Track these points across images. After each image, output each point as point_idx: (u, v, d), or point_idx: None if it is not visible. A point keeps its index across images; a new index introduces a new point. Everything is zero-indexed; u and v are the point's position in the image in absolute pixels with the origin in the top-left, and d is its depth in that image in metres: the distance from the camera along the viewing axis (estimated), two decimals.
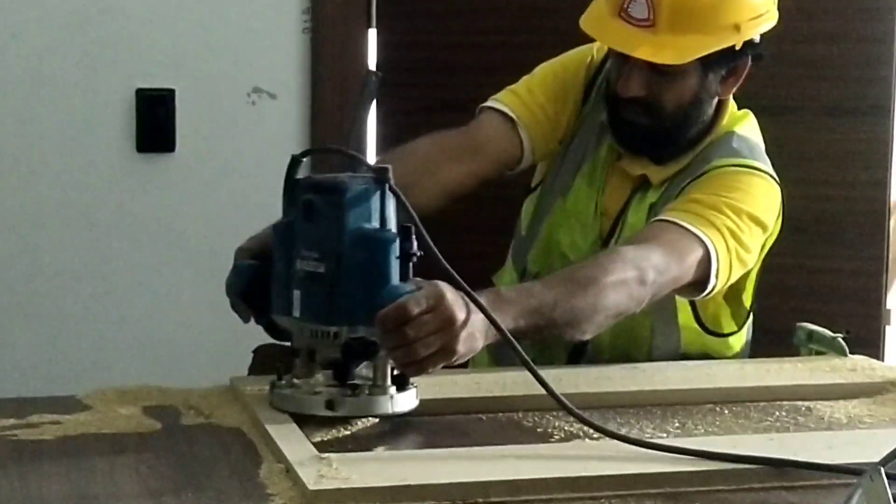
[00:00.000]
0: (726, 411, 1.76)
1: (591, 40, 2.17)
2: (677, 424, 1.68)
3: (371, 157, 2.95)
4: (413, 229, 1.61)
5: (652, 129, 2.07)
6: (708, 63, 2.03)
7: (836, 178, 2.86)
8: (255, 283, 1.72)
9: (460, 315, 1.57)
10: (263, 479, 1.40)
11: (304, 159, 1.71)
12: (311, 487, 1.33)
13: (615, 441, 1.53)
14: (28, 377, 2.81)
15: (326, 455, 1.44)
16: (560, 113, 2.18)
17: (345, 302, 1.59)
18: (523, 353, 1.59)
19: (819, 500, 1.39)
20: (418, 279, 1.62)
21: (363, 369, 1.66)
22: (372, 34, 3.02)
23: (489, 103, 2.20)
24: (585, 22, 2.08)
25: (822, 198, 2.58)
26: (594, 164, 2.16)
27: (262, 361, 2.03)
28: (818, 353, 2.05)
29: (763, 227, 2.04)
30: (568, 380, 1.79)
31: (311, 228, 1.61)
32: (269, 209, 2.95)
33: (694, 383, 1.86)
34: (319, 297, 1.60)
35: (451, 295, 1.57)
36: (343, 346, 1.60)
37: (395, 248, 1.59)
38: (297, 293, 1.62)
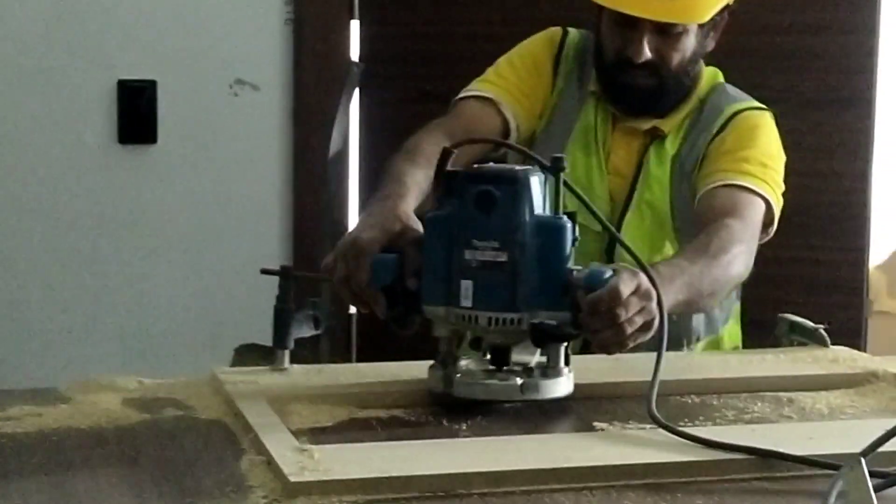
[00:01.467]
0: (713, 401, 1.76)
1: (571, 23, 2.25)
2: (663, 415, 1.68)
3: (353, 146, 2.96)
4: (576, 215, 1.68)
5: (657, 89, 2.17)
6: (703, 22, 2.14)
7: (818, 169, 2.86)
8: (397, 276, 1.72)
9: (654, 294, 1.66)
10: (245, 472, 1.40)
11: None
12: (291, 479, 1.33)
13: (598, 432, 1.53)
14: (8, 369, 2.80)
15: (308, 447, 1.44)
16: (536, 87, 2.24)
17: (526, 288, 1.64)
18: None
19: (800, 489, 1.39)
20: (594, 263, 1.70)
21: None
22: (355, 25, 3.01)
23: (462, 95, 2.24)
24: None
25: (804, 189, 2.57)
26: (584, 132, 2.21)
27: (243, 360, 2.02)
28: (800, 344, 2.05)
29: (783, 159, 2.20)
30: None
31: (487, 218, 1.64)
32: (251, 200, 2.97)
33: (677, 374, 1.85)
34: (500, 285, 1.64)
35: (642, 276, 1.66)
36: (535, 331, 1.65)
37: (570, 234, 1.65)
38: (466, 283, 1.64)
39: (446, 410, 1.68)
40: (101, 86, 2.83)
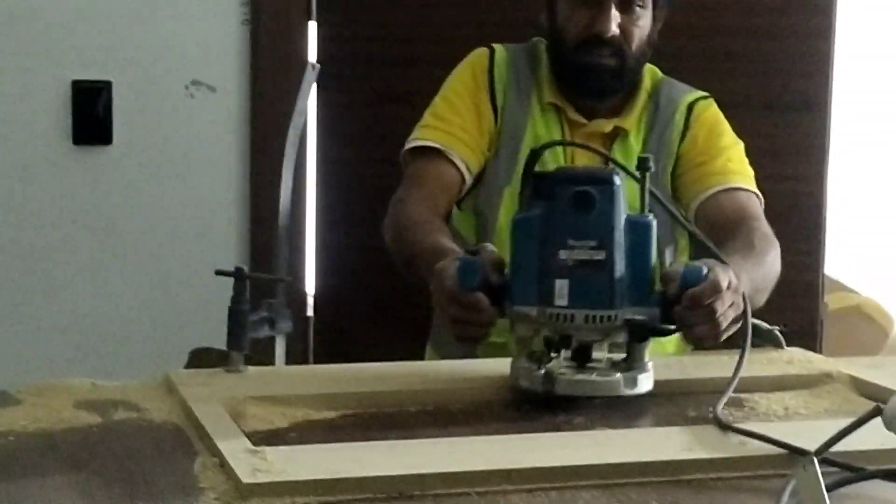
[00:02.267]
0: (671, 403, 1.76)
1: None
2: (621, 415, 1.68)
3: (309, 148, 2.95)
4: None
5: (620, 69, 2.22)
6: (655, 5, 2.23)
7: (773, 172, 2.85)
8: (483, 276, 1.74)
9: (741, 289, 1.76)
10: (197, 474, 1.39)
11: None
12: (244, 481, 1.32)
13: (557, 433, 1.54)
14: None
15: (261, 448, 1.43)
16: (479, 123, 2.27)
17: (621, 286, 1.69)
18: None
19: (757, 487, 1.39)
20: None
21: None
22: (312, 27, 3.00)
23: (409, 146, 2.28)
24: None
25: (760, 192, 2.59)
26: (535, 142, 2.21)
27: (199, 363, 2.00)
28: (755, 345, 2.05)
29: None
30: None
31: (585, 218, 1.68)
32: (207, 202, 2.94)
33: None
34: (597, 283, 1.68)
35: (731, 271, 1.75)
36: (633, 327, 1.70)
37: (655, 232, 1.73)
38: (561, 282, 1.68)
39: (403, 411, 1.67)
40: (54, 87, 2.80)
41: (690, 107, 2.29)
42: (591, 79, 2.24)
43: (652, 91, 2.31)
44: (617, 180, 1.71)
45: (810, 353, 2.02)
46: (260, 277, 1.86)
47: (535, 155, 1.79)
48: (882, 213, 3.83)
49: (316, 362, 3.03)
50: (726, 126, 2.31)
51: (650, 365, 1.74)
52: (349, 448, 1.48)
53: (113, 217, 2.87)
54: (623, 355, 1.75)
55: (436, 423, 1.65)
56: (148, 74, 2.86)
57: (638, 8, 2.20)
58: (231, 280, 1.81)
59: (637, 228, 1.71)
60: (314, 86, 2.89)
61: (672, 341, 2.21)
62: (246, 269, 1.83)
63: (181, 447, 1.49)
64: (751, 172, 2.28)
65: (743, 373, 1.86)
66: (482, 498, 1.34)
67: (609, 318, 1.69)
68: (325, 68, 2.98)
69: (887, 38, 3.29)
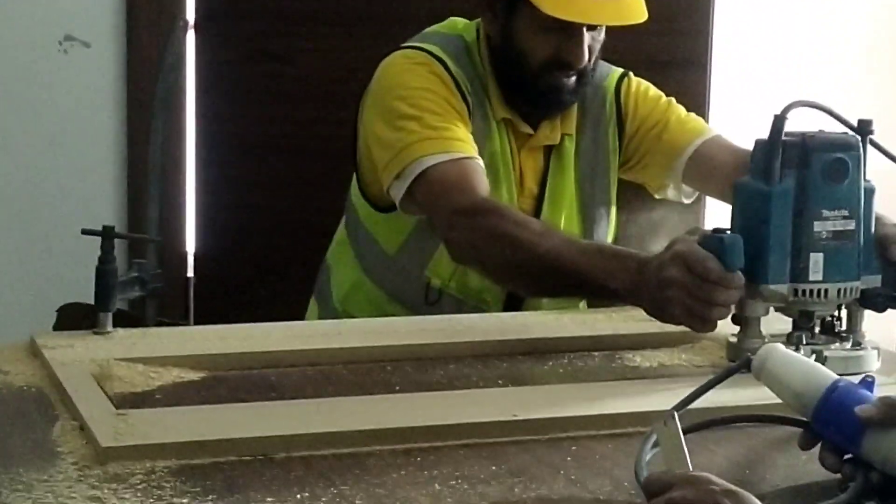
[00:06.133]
0: (546, 362, 1.75)
1: None
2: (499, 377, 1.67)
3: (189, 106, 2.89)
4: None
5: (578, 85, 2.09)
6: None
7: None
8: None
9: None
10: (56, 438, 1.35)
11: None
12: (103, 444, 1.28)
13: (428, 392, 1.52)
14: None
15: (125, 411, 1.39)
16: (466, 124, 2.07)
17: (864, 254, 1.65)
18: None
19: (621, 448, 1.39)
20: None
21: None
22: None
23: (417, 170, 1.98)
24: (546, 3, 2.00)
25: None
26: (492, 159, 2.09)
27: (67, 320, 1.95)
28: None
29: None
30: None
31: (837, 187, 1.63)
32: (83, 160, 2.87)
33: (508, 334, 1.84)
34: (848, 254, 1.64)
35: None
36: (878, 298, 1.66)
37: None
38: (816, 256, 1.63)
39: (279, 373, 1.65)
40: None
41: (618, 87, 2.19)
42: (552, 101, 2.10)
43: None
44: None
45: None
46: (126, 237, 1.81)
47: (780, 120, 1.62)
48: None
49: (197, 324, 2.98)
50: (652, 86, 2.23)
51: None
52: (215, 410, 1.45)
53: None
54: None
55: (312, 384, 1.62)
56: (19, 30, 2.77)
57: (601, 28, 2.07)
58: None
59: (868, 194, 1.66)
60: (190, 42, 2.84)
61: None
62: (115, 228, 1.78)
63: (41, 411, 1.45)
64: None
65: (601, 331, 1.87)
66: (353, 459, 1.32)
67: (854, 290, 1.65)
68: (204, 24, 2.94)
69: None
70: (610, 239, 2.22)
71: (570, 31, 2.03)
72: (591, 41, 2.07)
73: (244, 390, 1.59)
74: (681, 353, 1.82)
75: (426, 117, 2.02)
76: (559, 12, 1.99)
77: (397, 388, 1.60)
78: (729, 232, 1.65)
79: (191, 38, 2.91)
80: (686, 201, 2.27)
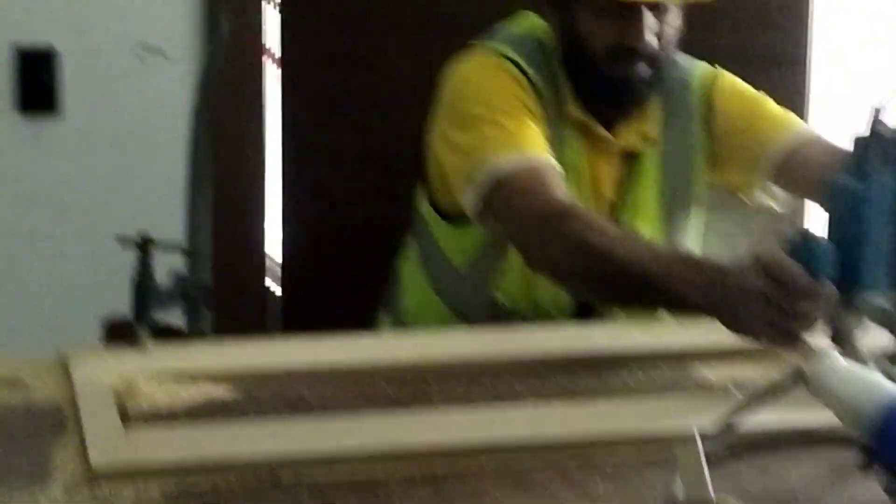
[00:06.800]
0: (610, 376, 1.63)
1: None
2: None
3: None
4: None
5: (653, 78, 1.95)
6: None
7: None
8: None
9: None
10: (56, 457, 1.28)
11: None
12: (93, 464, 1.20)
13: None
14: None
15: (133, 430, 1.31)
16: (542, 130, 1.95)
17: None
18: None
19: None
20: None
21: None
22: None
23: (491, 178, 1.86)
24: None
25: None
26: (572, 166, 1.97)
27: (113, 334, 1.88)
28: None
29: None
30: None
31: None
32: (159, 175, 2.82)
33: (569, 346, 1.72)
34: None
35: None
36: None
37: None
38: None
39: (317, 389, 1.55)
40: None
41: (704, 84, 2.05)
42: (623, 92, 1.95)
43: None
44: None
45: None
46: (169, 246, 1.74)
47: (878, 112, 1.48)
48: None
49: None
50: (744, 83, 2.08)
51: None
52: (223, 427, 1.36)
53: (60, 190, 2.75)
54: None
55: (348, 400, 1.52)
56: (95, 38, 2.73)
57: (670, 5, 1.91)
58: None
59: None
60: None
61: None
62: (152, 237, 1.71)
63: (53, 428, 1.38)
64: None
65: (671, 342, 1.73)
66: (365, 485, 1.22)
67: None
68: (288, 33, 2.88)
69: None
70: (698, 247, 2.08)
71: (629, 14, 1.89)
72: (658, 25, 1.92)
73: (273, 408, 1.50)
74: (758, 366, 1.68)
75: (499, 118, 1.91)
76: None
77: (436, 403, 1.50)
78: (822, 238, 1.51)
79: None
80: (780, 208, 2.11)
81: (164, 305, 1.73)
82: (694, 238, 2.07)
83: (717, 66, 2.10)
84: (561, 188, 1.85)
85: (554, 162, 1.89)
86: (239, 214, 2.85)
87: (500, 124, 1.90)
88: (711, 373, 1.65)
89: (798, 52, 2.75)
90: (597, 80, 1.96)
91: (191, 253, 1.78)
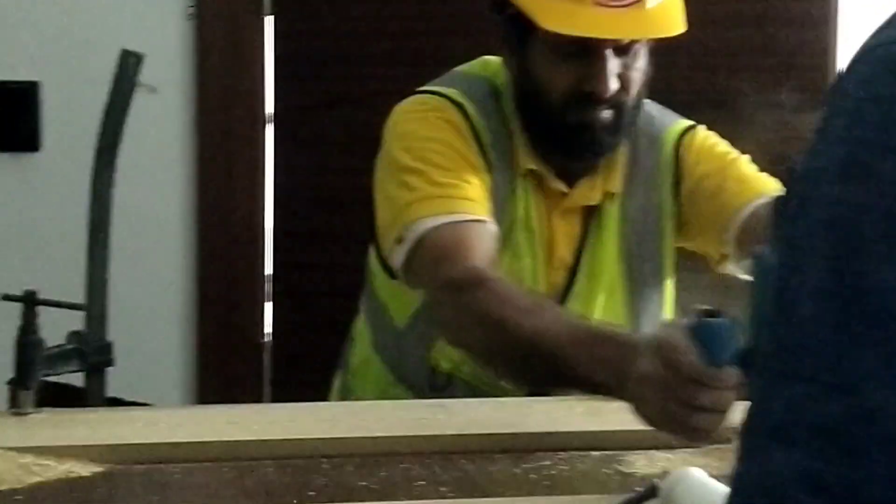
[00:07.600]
0: (527, 465, 1.45)
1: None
2: None
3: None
4: None
5: (615, 124, 1.74)
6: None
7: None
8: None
9: None
10: None
11: None
12: None
13: None
14: None
15: None
16: (483, 183, 1.76)
17: None
18: None
19: None
20: None
21: None
22: (269, 22, 2.74)
23: (416, 233, 1.69)
24: (550, 19, 1.68)
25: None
26: (525, 222, 1.80)
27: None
28: None
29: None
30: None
31: None
32: (148, 214, 2.70)
33: (491, 426, 1.55)
34: None
35: None
36: None
37: None
38: None
39: (190, 470, 1.40)
40: None
41: (677, 144, 1.84)
42: (581, 141, 1.75)
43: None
44: None
45: None
46: (57, 304, 1.59)
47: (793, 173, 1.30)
48: None
49: (275, 392, 2.78)
50: (722, 141, 1.87)
51: None
52: None
53: (41, 229, 2.65)
54: None
55: (217, 486, 1.36)
56: (80, 74, 2.63)
57: (636, 45, 1.72)
58: None
59: None
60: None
61: None
62: (37, 293, 1.57)
63: None
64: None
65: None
66: None
67: None
68: (284, 68, 2.75)
69: None
70: (666, 314, 1.87)
71: (590, 55, 1.69)
72: (624, 68, 1.71)
73: (130, 492, 1.34)
74: (701, 456, 1.48)
75: (431, 172, 1.73)
76: (561, 26, 1.66)
77: (313, 495, 1.33)
78: (726, 316, 1.30)
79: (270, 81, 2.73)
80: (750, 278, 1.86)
81: (54, 365, 1.60)
82: (659, 305, 1.86)
83: (696, 124, 1.89)
84: (485, 253, 1.66)
85: (489, 223, 1.71)
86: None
87: (432, 178, 1.72)
88: (647, 464, 1.46)
89: (821, 90, 2.55)
90: (553, 128, 1.76)
91: (88, 308, 1.64)
